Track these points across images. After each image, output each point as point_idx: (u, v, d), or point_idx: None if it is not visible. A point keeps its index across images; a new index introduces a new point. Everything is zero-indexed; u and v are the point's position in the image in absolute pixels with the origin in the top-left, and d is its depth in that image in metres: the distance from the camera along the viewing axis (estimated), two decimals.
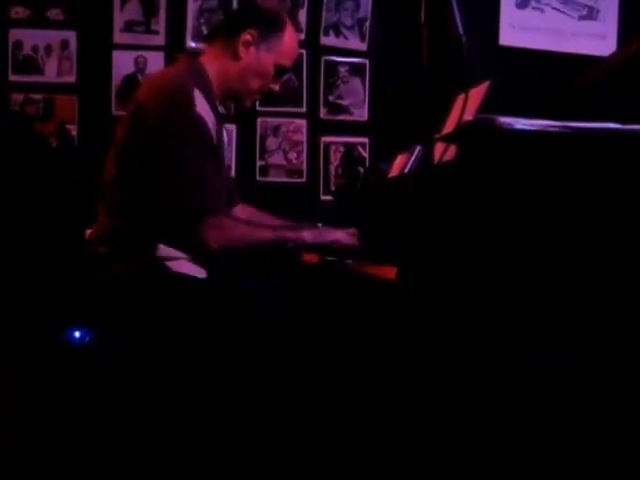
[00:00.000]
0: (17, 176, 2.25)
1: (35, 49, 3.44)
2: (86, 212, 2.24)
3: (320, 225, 2.34)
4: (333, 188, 3.68)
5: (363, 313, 2.09)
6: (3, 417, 1.98)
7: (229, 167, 3.56)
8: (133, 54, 3.50)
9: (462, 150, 1.64)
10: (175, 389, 1.86)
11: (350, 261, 2.05)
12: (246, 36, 2.12)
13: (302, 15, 3.62)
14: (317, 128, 3.70)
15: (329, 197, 3.63)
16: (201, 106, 1.98)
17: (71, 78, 3.47)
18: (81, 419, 1.85)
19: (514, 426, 1.53)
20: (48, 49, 3.44)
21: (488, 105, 1.94)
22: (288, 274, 2.36)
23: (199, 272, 2.02)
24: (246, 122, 3.59)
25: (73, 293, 2.01)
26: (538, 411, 1.52)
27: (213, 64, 2.13)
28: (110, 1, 3.46)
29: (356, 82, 3.71)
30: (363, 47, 3.70)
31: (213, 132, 2.03)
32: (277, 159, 3.67)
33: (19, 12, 3.42)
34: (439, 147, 1.81)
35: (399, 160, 2.62)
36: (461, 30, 1.57)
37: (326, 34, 3.66)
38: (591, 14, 3.89)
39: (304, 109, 3.67)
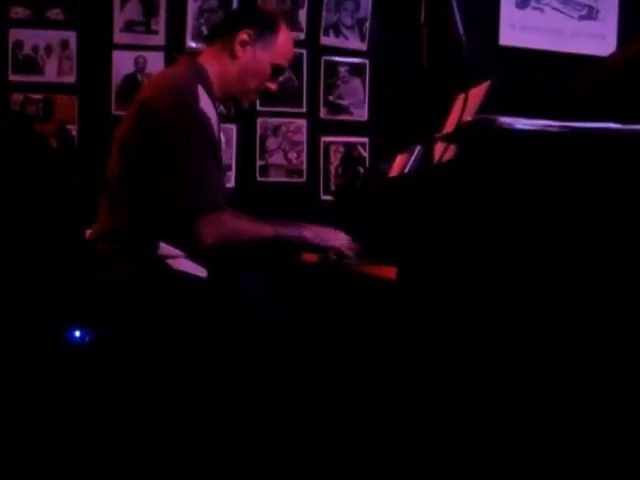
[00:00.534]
0: (17, 176, 2.25)
1: (35, 49, 3.43)
2: (86, 212, 2.24)
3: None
4: (333, 188, 3.68)
5: (363, 313, 2.09)
6: (3, 417, 1.98)
7: (229, 167, 3.57)
8: (133, 54, 3.50)
9: (462, 150, 1.64)
10: (175, 389, 1.86)
11: (350, 261, 2.05)
12: (243, 36, 2.14)
13: (302, 15, 3.62)
14: (317, 128, 3.70)
15: (329, 197, 3.63)
16: (205, 103, 2.00)
17: (71, 78, 3.46)
18: (81, 419, 1.85)
19: (514, 426, 1.53)
20: (48, 49, 3.44)
21: (488, 105, 1.94)
22: (288, 274, 2.36)
23: (200, 271, 2.02)
24: (246, 122, 3.59)
25: (73, 293, 2.01)
26: (538, 411, 1.52)
27: (212, 64, 2.15)
28: (110, 1, 3.46)
29: (356, 82, 3.72)
30: (363, 47, 3.70)
31: (215, 129, 2.04)
32: (277, 159, 3.67)
33: (19, 12, 3.42)
34: (439, 147, 1.81)
35: (399, 160, 2.63)
36: (461, 30, 1.57)
37: (326, 34, 3.66)
38: (591, 14, 3.89)
39: (304, 109, 3.68)
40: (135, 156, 2.00)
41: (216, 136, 2.05)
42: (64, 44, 3.45)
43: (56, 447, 1.86)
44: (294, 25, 3.59)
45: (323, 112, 3.70)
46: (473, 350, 1.51)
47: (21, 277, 2.14)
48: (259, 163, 3.66)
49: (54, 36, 3.44)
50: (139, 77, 3.48)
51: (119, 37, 3.48)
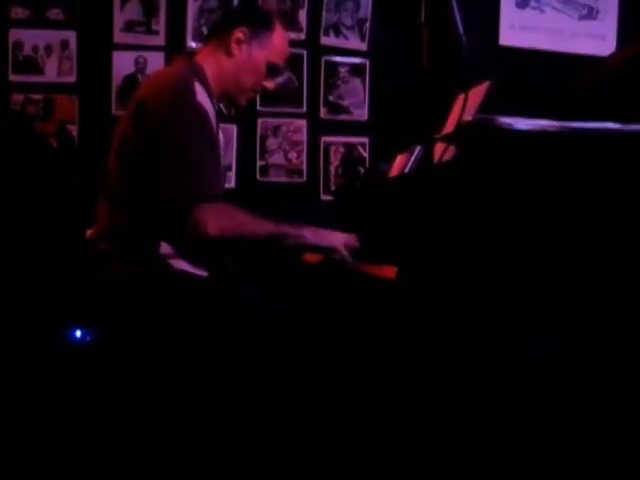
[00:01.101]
0: (17, 176, 2.25)
1: (35, 49, 3.44)
2: (86, 212, 2.24)
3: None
4: (333, 188, 3.67)
5: (363, 313, 2.09)
6: (3, 417, 1.98)
7: (229, 167, 3.57)
8: (133, 54, 3.50)
9: (462, 150, 1.64)
10: (175, 389, 1.86)
11: (348, 261, 2.05)
12: (238, 34, 2.16)
13: (302, 15, 3.62)
14: (317, 128, 3.70)
15: (329, 197, 3.63)
16: (202, 97, 2.02)
17: (71, 78, 3.46)
18: (81, 419, 1.85)
19: (513, 425, 1.53)
20: (48, 49, 3.44)
21: (488, 105, 1.94)
22: (288, 273, 2.36)
23: (200, 270, 2.02)
24: (246, 122, 3.59)
25: (73, 293, 2.01)
26: (537, 410, 1.52)
27: (208, 62, 2.17)
28: (110, 1, 3.46)
29: (356, 82, 3.72)
30: (363, 47, 3.70)
31: (213, 124, 2.05)
32: (277, 159, 3.67)
33: (19, 12, 3.42)
34: (439, 147, 1.81)
35: (399, 160, 2.63)
36: (461, 30, 1.57)
37: (326, 34, 3.66)
38: (591, 14, 3.89)
39: (304, 109, 3.68)
40: (134, 155, 2.00)
41: (214, 130, 2.06)
42: (64, 44, 3.45)
43: (56, 447, 1.86)
44: (294, 25, 3.59)
45: (323, 112, 3.70)
46: (473, 350, 1.51)
47: (21, 277, 2.14)
48: (259, 163, 3.66)
49: (54, 36, 3.44)
50: (139, 77, 3.48)
51: (119, 37, 3.48)
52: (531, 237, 1.45)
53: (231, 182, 3.57)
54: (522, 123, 1.42)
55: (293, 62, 3.52)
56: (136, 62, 3.50)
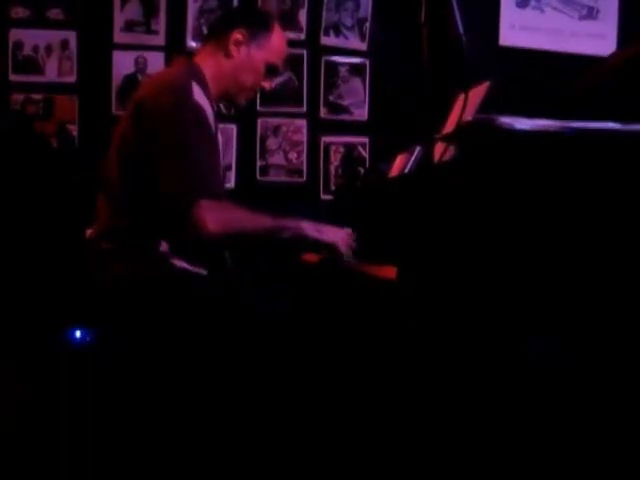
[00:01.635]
0: (17, 176, 2.25)
1: (35, 49, 3.43)
2: (86, 212, 2.24)
3: None
4: (333, 188, 3.67)
5: (363, 313, 2.09)
6: (3, 417, 1.98)
7: (229, 167, 3.56)
8: (133, 54, 3.50)
9: (462, 150, 1.64)
10: (175, 389, 1.86)
11: (350, 261, 2.05)
12: (236, 35, 2.18)
13: (302, 15, 3.62)
14: (317, 128, 3.69)
15: (329, 197, 3.62)
16: (199, 97, 2.03)
17: (71, 78, 3.46)
18: (81, 419, 1.85)
19: (513, 425, 1.53)
20: (48, 49, 3.44)
21: (488, 105, 1.94)
22: (288, 273, 2.36)
23: (199, 268, 2.03)
24: (246, 122, 3.59)
25: (73, 293, 2.01)
26: (537, 410, 1.52)
27: (207, 63, 2.19)
28: (110, 1, 3.46)
29: (356, 82, 3.71)
30: (363, 47, 3.70)
31: (212, 123, 2.06)
32: (277, 159, 3.67)
33: (19, 12, 3.41)
34: (439, 147, 1.81)
35: (399, 160, 2.62)
36: (461, 30, 1.57)
37: (326, 34, 3.66)
38: (591, 14, 3.89)
39: (304, 109, 3.67)
40: (134, 155, 2.01)
41: (212, 129, 2.06)
42: (64, 44, 3.45)
43: (56, 447, 1.86)
44: (294, 25, 3.59)
45: (323, 112, 3.70)
46: (473, 350, 1.51)
47: (21, 277, 2.14)
48: (259, 163, 3.66)
49: (54, 36, 3.44)
50: (139, 77, 3.48)
51: (119, 37, 3.48)
52: (531, 237, 1.45)
53: (231, 182, 3.57)
54: (522, 123, 1.42)
55: (293, 62, 3.52)
56: (136, 62, 3.50)
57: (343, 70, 3.70)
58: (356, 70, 3.71)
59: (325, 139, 3.71)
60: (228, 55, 2.18)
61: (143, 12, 3.49)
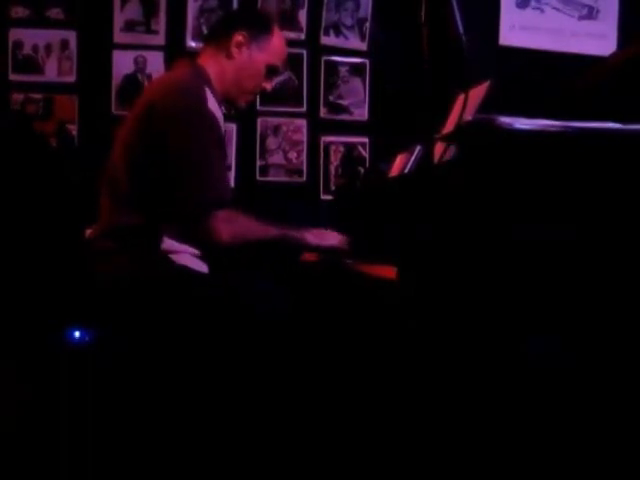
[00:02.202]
0: (17, 176, 2.25)
1: (35, 49, 3.43)
2: (86, 212, 2.24)
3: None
4: (333, 188, 3.67)
5: (363, 313, 2.09)
6: (3, 417, 1.98)
7: (229, 167, 3.56)
8: (133, 54, 3.49)
9: (462, 150, 1.64)
10: (175, 388, 1.86)
11: (350, 261, 2.05)
12: (238, 37, 2.21)
13: (302, 15, 3.62)
14: (317, 128, 3.69)
15: (329, 197, 3.62)
16: (212, 103, 2.06)
17: (71, 78, 3.46)
18: (81, 419, 1.85)
19: (513, 425, 1.53)
20: (48, 49, 3.44)
21: (488, 105, 1.94)
22: (288, 273, 2.36)
23: (201, 266, 2.04)
24: (246, 122, 3.59)
25: (73, 293, 2.01)
26: (537, 410, 1.52)
27: (210, 65, 2.21)
28: (110, 1, 3.46)
29: (356, 82, 3.71)
30: (363, 47, 3.70)
31: (222, 129, 2.10)
32: (277, 159, 3.67)
33: (19, 12, 3.41)
34: (439, 147, 1.81)
35: (399, 160, 2.62)
36: (461, 30, 1.57)
37: (326, 34, 3.66)
38: (591, 14, 3.89)
39: (304, 109, 3.67)
40: (142, 157, 2.03)
41: (223, 135, 2.11)
42: (64, 44, 3.45)
43: (56, 447, 1.86)
44: (294, 25, 3.59)
45: (323, 112, 3.70)
46: (473, 350, 1.51)
47: (21, 277, 2.13)
48: (259, 163, 3.65)
49: (54, 36, 3.44)
50: (139, 77, 3.48)
51: (119, 37, 3.48)
52: (531, 237, 1.45)
53: (231, 182, 3.56)
54: (522, 123, 1.42)
55: (293, 62, 3.52)
56: (136, 62, 3.50)
57: (343, 70, 3.70)
58: (356, 70, 3.71)
59: (325, 139, 3.71)
60: (230, 57, 2.21)
61: (143, 12, 3.49)
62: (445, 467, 1.58)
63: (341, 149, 3.73)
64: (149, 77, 3.47)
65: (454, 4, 1.58)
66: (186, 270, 2.01)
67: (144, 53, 3.49)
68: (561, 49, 3.82)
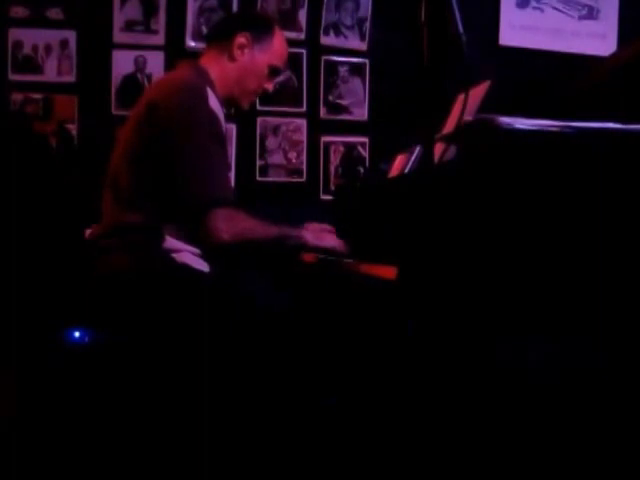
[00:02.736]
0: (17, 176, 2.25)
1: (35, 49, 3.43)
2: (86, 212, 2.24)
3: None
4: (333, 188, 3.67)
5: (363, 312, 2.09)
6: (3, 417, 1.98)
7: (228, 167, 3.56)
8: (133, 54, 3.50)
9: (462, 150, 1.64)
10: (175, 387, 1.86)
11: (350, 260, 2.05)
12: (240, 39, 2.23)
13: (302, 15, 3.62)
14: (317, 128, 3.69)
15: (329, 197, 3.62)
16: (213, 103, 2.07)
17: (71, 78, 3.46)
18: (81, 419, 1.85)
19: (513, 425, 1.53)
20: (48, 49, 3.44)
21: (488, 105, 1.94)
22: (288, 273, 2.36)
23: (202, 265, 2.05)
24: (246, 122, 3.59)
25: (73, 293, 2.01)
26: (537, 410, 1.52)
27: (212, 67, 2.23)
28: (110, 1, 3.46)
29: (356, 82, 3.71)
30: (363, 47, 3.70)
31: (224, 128, 2.11)
32: (277, 159, 3.67)
33: (19, 12, 3.41)
34: (439, 147, 1.81)
35: (399, 160, 2.62)
36: (461, 30, 1.57)
37: (326, 34, 3.66)
38: (591, 14, 3.89)
39: (304, 109, 3.67)
40: (145, 155, 2.04)
41: (225, 135, 2.11)
42: (64, 44, 3.45)
43: (56, 447, 1.86)
44: (294, 25, 3.59)
45: (323, 112, 3.70)
46: (473, 350, 1.51)
47: (21, 277, 2.13)
48: (259, 163, 3.66)
49: (54, 36, 3.44)
50: (139, 77, 3.48)
51: (119, 37, 3.48)
52: (531, 237, 1.45)
53: (230, 182, 3.56)
54: (522, 123, 1.42)
55: (293, 62, 3.52)
56: (135, 61, 3.50)
57: (343, 70, 3.70)
58: (356, 70, 3.71)
59: (325, 139, 3.71)
60: (232, 59, 2.22)
61: (143, 11, 3.49)
62: (445, 466, 1.58)
63: (341, 149, 3.73)
64: (149, 77, 3.47)
65: (454, 4, 1.58)
66: (187, 268, 2.01)
67: (144, 53, 3.49)
68: (561, 49, 3.82)
